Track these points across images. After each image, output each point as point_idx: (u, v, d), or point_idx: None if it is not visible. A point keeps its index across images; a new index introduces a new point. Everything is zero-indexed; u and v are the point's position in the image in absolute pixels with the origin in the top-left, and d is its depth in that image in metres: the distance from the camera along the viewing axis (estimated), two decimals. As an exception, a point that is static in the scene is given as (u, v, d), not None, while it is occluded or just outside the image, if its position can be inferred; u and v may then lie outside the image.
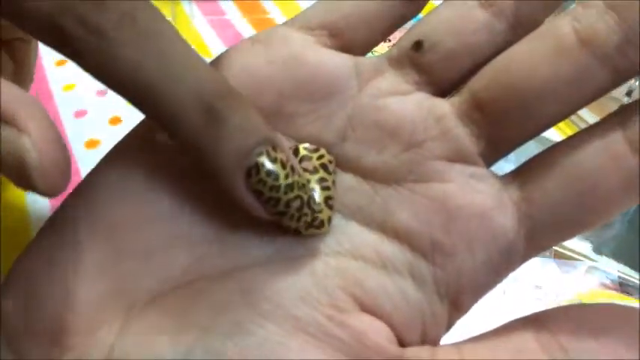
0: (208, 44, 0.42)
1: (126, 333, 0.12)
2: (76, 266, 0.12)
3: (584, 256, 0.28)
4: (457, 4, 0.15)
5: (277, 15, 0.45)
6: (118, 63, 0.11)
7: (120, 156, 0.14)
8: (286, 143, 0.14)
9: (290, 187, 0.12)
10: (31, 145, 0.11)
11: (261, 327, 0.12)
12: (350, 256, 0.13)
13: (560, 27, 0.13)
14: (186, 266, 0.13)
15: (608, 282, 0.28)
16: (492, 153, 0.14)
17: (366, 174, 0.14)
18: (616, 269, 0.29)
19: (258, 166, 0.12)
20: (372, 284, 0.13)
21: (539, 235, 0.13)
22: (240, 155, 0.12)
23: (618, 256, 0.29)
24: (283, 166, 0.12)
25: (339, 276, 0.13)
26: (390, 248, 0.13)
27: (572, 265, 0.28)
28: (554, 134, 0.31)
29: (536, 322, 0.13)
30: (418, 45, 0.15)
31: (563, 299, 0.27)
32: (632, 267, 0.29)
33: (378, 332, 0.13)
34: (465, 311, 0.14)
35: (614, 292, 0.28)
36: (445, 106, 0.14)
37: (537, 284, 0.27)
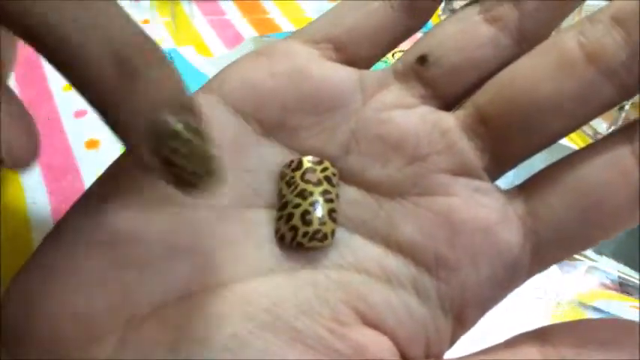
0: (208, 44, 0.42)
1: (125, 345, 0.12)
2: (76, 278, 0.12)
3: (584, 256, 0.28)
4: (462, 19, 0.15)
5: (277, 15, 0.45)
6: (30, 10, 0.10)
7: (122, 167, 0.14)
8: (201, 109, 0.13)
9: (199, 154, 0.11)
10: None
11: (260, 338, 0.12)
12: (353, 270, 0.13)
13: (566, 41, 0.13)
14: (187, 277, 0.12)
15: (608, 282, 0.28)
16: (497, 167, 0.14)
17: (370, 187, 0.14)
18: (616, 269, 0.29)
19: (168, 130, 0.11)
20: (375, 298, 0.13)
21: (545, 251, 0.13)
22: (151, 115, 0.11)
23: (618, 256, 0.29)
24: (195, 132, 0.11)
25: (342, 289, 0.13)
26: (393, 262, 0.13)
27: (572, 265, 0.28)
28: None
29: (540, 336, 0.13)
30: (423, 59, 0.15)
31: (564, 299, 0.27)
32: (632, 267, 0.29)
33: (380, 346, 0.12)
34: (470, 326, 0.14)
35: (614, 292, 0.28)
36: (450, 120, 0.14)
37: (537, 284, 0.27)
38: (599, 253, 0.29)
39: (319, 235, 0.13)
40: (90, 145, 0.32)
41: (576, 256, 0.28)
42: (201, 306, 0.12)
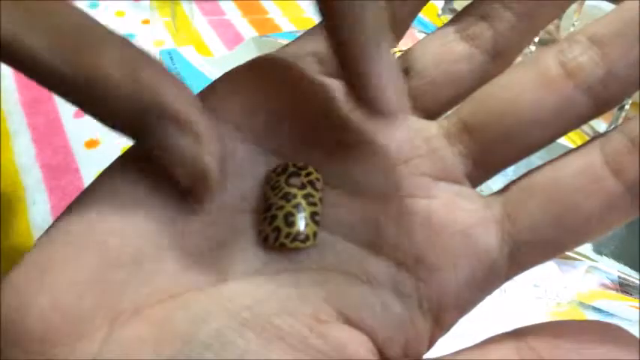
0: (208, 44, 0.42)
1: (110, 343, 0.12)
2: (67, 276, 0.12)
3: (584, 256, 0.28)
4: (440, 36, 0.16)
5: (277, 15, 0.45)
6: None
7: (119, 170, 0.14)
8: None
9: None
10: (212, 161, 0.12)
11: (241, 336, 0.12)
12: (335, 271, 0.13)
13: (546, 59, 0.14)
14: (174, 278, 0.13)
15: (608, 282, 0.28)
16: (479, 174, 0.15)
17: (352, 190, 0.14)
18: (616, 269, 0.29)
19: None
20: (355, 298, 0.13)
21: (522, 254, 0.13)
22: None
23: (618, 256, 0.29)
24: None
25: (323, 288, 0.13)
26: (375, 263, 0.13)
27: (572, 265, 0.28)
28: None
29: (517, 336, 0.13)
30: (405, 72, 0.15)
31: (564, 299, 0.27)
32: (632, 267, 0.29)
33: (359, 344, 0.13)
34: (448, 328, 0.14)
35: (614, 292, 0.28)
36: (433, 127, 0.15)
37: (537, 284, 0.27)
38: (599, 253, 0.29)
39: (301, 236, 0.13)
40: (89, 144, 0.32)
41: (576, 256, 0.28)
42: (185, 305, 0.12)
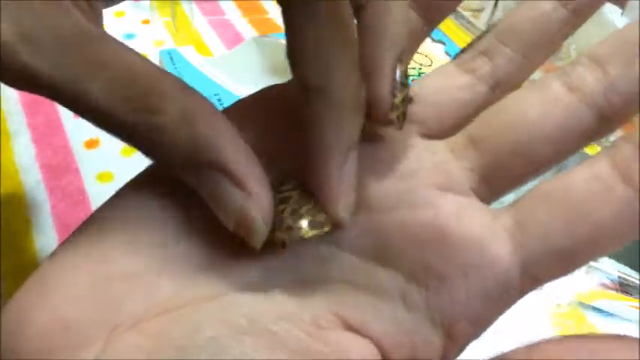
0: (208, 44, 0.42)
1: (107, 353, 0.12)
2: (69, 290, 0.12)
3: (584, 256, 0.28)
4: (441, 72, 0.17)
5: (277, 15, 0.45)
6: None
7: (129, 192, 0.14)
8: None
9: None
10: (258, 213, 0.12)
11: (237, 341, 0.12)
12: (339, 281, 0.13)
13: (550, 81, 0.15)
14: (173, 292, 0.13)
15: (608, 282, 0.28)
16: (488, 190, 0.15)
17: (359, 203, 0.14)
18: (616, 269, 0.29)
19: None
20: (359, 305, 0.13)
21: (535, 266, 0.13)
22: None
23: (618, 256, 0.29)
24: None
25: (325, 297, 0.13)
26: (381, 274, 0.13)
27: (572, 265, 0.28)
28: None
29: (527, 352, 0.13)
30: (410, 100, 0.16)
31: (564, 299, 0.27)
32: (632, 267, 0.29)
33: (362, 349, 0.12)
34: (462, 344, 0.13)
35: (614, 292, 0.28)
36: (439, 144, 0.15)
37: (537, 284, 0.27)
38: (599, 253, 0.29)
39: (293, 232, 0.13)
40: (89, 144, 0.32)
41: (576, 256, 0.28)
42: (182, 318, 0.12)
